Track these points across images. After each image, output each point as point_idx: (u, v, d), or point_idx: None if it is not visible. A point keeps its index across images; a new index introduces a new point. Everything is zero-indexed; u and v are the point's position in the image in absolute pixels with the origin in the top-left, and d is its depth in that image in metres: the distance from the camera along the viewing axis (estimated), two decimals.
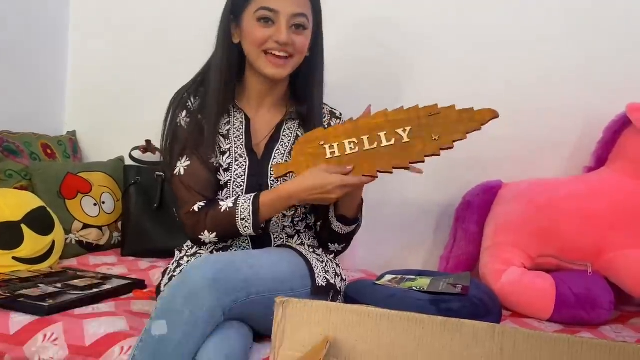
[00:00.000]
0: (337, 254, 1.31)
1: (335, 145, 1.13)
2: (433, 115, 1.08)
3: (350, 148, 1.12)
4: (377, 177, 1.11)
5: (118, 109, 2.08)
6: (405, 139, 1.09)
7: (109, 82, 2.11)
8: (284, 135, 1.26)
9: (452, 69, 1.72)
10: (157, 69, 2.02)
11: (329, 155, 1.14)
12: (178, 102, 1.22)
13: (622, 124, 1.47)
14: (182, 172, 1.18)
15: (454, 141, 1.07)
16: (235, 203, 1.14)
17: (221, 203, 1.15)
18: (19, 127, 1.85)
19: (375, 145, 1.11)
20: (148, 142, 1.95)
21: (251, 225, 1.13)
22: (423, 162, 1.08)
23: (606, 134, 1.51)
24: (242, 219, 1.13)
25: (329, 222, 1.24)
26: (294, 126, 1.27)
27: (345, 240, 1.27)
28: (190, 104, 1.21)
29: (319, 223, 1.30)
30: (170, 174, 1.20)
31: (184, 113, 1.20)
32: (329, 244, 1.28)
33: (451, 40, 1.72)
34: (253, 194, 1.15)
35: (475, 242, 1.59)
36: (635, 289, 1.35)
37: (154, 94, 2.01)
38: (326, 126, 1.28)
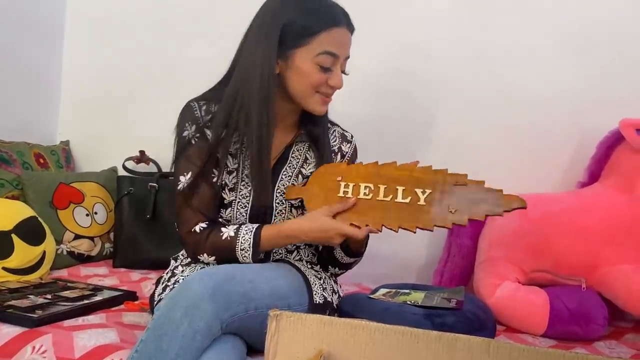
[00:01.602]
0: (335, 275, 1.30)
1: (351, 185, 1.12)
2: (459, 185, 1.04)
3: (365, 193, 1.10)
4: (381, 231, 1.08)
5: (112, 119, 2.08)
6: (421, 202, 1.05)
7: (103, 92, 2.11)
8: (293, 157, 1.24)
9: (454, 88, 1.74)
10: (152, 79, 2.02)
11: (341, 194, 1.12)
12: (189, 116, 1.18)
13: (615, 140, 1.49)
14: (185, 188, 1.16)
15: (469, 220, 1.01)
16: (236, 233, 1.13)
17: (223, 230, 1.14)
18: (11, 136, 1.84)
19: (389, 198, 1.07)
20: (142, 152, 1.94)
21: (250, 256, 1.13)
22: (431, 230, 1.04)
23: (599, 149, 1.52)
24: (242, 250, 1.12)
25: (332, 248, 1.23)
26: (303, 148, 1.25)
27: (345, 267, 1.27)
28: (199, 116, 1.18)
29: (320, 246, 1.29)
30: (174, 188, 1.18)
31: (193, 127, 1.17)
32: (329, 266, 1.27)
33: (457, 62, 1.74)
34: (255, 226, 1.14)
35: (469, 256, 1.59)
36: (629, 304, 1.35)
37: (149, 104, 2.03)
38: (336, 150, 1.27)
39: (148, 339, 0.92)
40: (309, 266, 1.23)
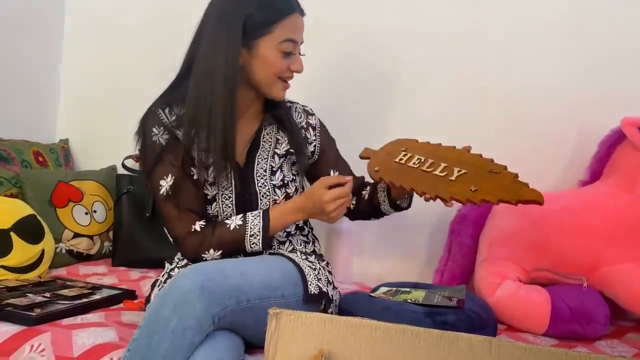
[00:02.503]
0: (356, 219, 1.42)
1: (407, 155, 1.22)
2: (492, 173, 1.08)
3: (414, 163, 1.20)
4: (408, 191, 1.17)
5: (111, 117, 2.07)
6: (452, 177, 1.11)
7: (103, 90, 2.10)
8: (264, 141, 1.26)
9: (446, 83, 1.73)
10: (151, 78, 2.00)
11: (396, 160, 1.24)
12: (153, 120, 1.19)
13: (616, 138, 1.48)
14: (169, 191, 1.16)
15: (482, 200, 1.04)
16: (244, 220, 1.15)
17: (227, 221, 1.16)
18: (10, 134, 1.83)
19: (429, 170, 1.15)
20: None
21: (260, 241, 1.14)
22: (447, 201, 1.09)
23: (601, 148, 1.52)
24: (252, 235, 1.14)
25: (378, 203, 1.31)
26: (272, 131, 1.28)
27: (380, 217, 1.37)
28: (166, 120, 1.18)
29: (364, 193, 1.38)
30: (156, 195, 1.18)
31: (161, 130, 1.18)
32: (372, 217, 1.37)
33: (445, 54, 1.73)
34: (261, 210, 1.17)
35: (470, 255, 1.58)
36: (630, 303, 1.34)
37: (148, 103, 2.01)
38: (305, 125, 1.33)
39: (139, 337, 0.92)
40: (303, 257, 1.23)
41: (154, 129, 1.18)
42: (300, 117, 1.34)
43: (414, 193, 1.18)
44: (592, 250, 1.39)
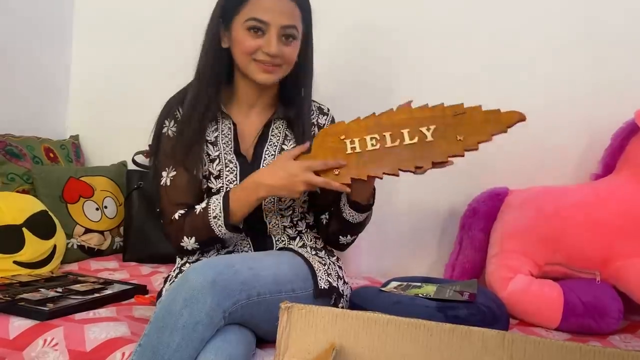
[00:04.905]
0: (345, 247, 1.29)
1: (356, 140, 1.10)
2: (458, 115, 1.04)
3: (372, 144, 1.09)
4: (397, 174, 1.07)
5: (121, 113, 2.08)
6: (429, 138, 1.05)
7: (113, 86, 2.11)
8: (273, 135, 1.26)
9: (455, 76, 1.71)
10: (162, 73, 2.01)
11: (349, 151, 1.10)
12: (167, 113, 1.22)
13: (630, 131, 1.46)
14: (167, 182, 1.18)
15: (479, 142, 1.03)
16: (207, 203, 1.14)
17: (197, 206, 1.15)
18: (21, 131, 1.84)
19: (397, 143, 1.07)
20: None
21: (223, 223, 1.11)
22: (446, 162, 1.04)
23: (614, 141, 1.50)
24: (215, 217, 1.12)
25: (340, 211, 1.21)
26: (282, 126, 1.27)
27: (356, 230, 1.25)
28: (178, 113, 1.21)
29: (324, 215, 1.29)
30: (158, 185, 1.20)
31: (172, 123, 1.21)
32: (340, 236, 1.26)
33: (454, 45, 1.71)
34: (224, 191, 1.16)
35: (481, 249, 1.57)
36: None
37: (158, 98, 2.01)
38: (314, 123, 1.29)
39: (150, 331, 0.92)
40: (313, 252, 1.23)
41: (165, 121, 1.21)
42: (312, 115, 1.31)
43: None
44: (605, 244, 1.38)
